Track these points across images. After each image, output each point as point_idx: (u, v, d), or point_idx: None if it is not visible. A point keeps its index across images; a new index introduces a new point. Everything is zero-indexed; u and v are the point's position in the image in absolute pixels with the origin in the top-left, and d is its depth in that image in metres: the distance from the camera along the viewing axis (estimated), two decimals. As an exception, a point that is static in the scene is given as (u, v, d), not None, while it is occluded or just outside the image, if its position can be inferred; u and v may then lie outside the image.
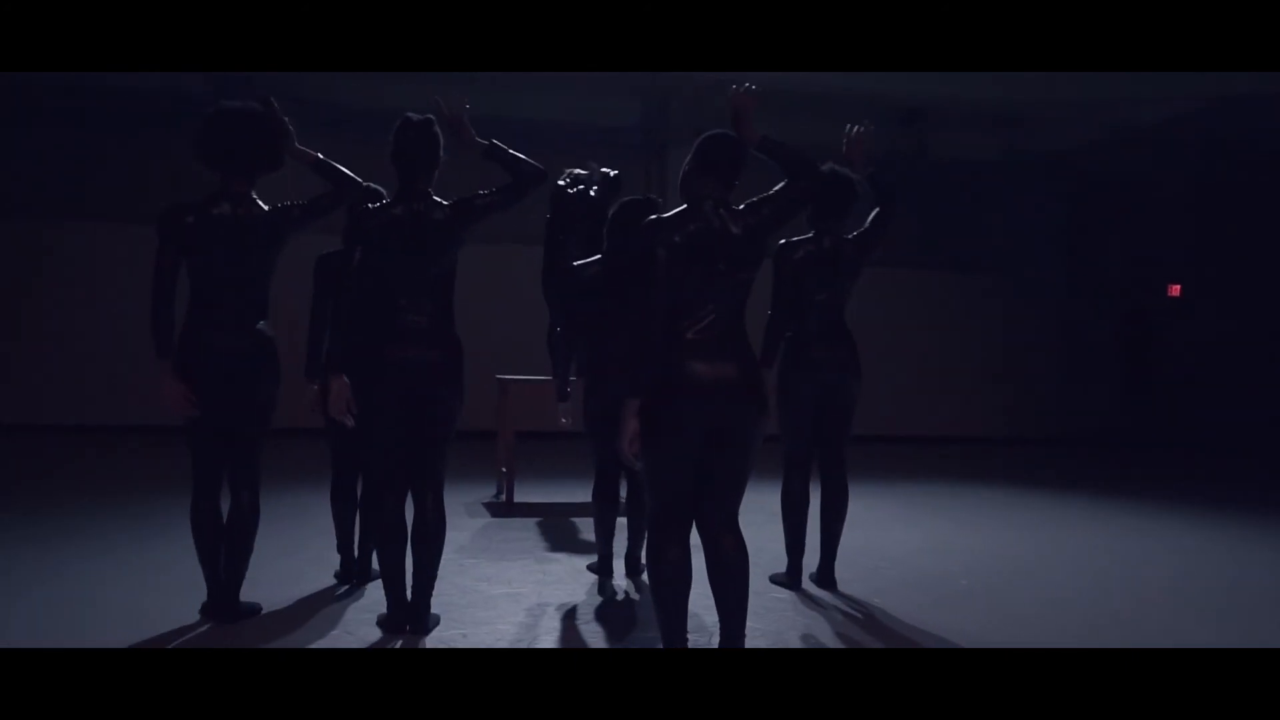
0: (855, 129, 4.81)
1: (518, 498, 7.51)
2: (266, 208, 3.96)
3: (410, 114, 3.90)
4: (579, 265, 4.89)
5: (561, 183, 7.28)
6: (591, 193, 7.26)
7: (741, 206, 3.39)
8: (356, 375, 3.73)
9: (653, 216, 3.44)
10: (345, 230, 3.88)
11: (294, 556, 5.21)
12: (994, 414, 15.02)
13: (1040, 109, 13.89)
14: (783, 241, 4.89)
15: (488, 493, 7.86)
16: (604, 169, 7.48)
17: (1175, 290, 15.88)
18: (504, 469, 7.52)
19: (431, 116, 3.91)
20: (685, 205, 3.40)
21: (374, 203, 4.67)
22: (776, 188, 3.42)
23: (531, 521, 6.70)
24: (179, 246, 3.83)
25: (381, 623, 3.96)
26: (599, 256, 4.86)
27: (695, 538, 3.30)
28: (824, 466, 4.88)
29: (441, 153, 3.91)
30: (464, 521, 6.59)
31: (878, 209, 4.96)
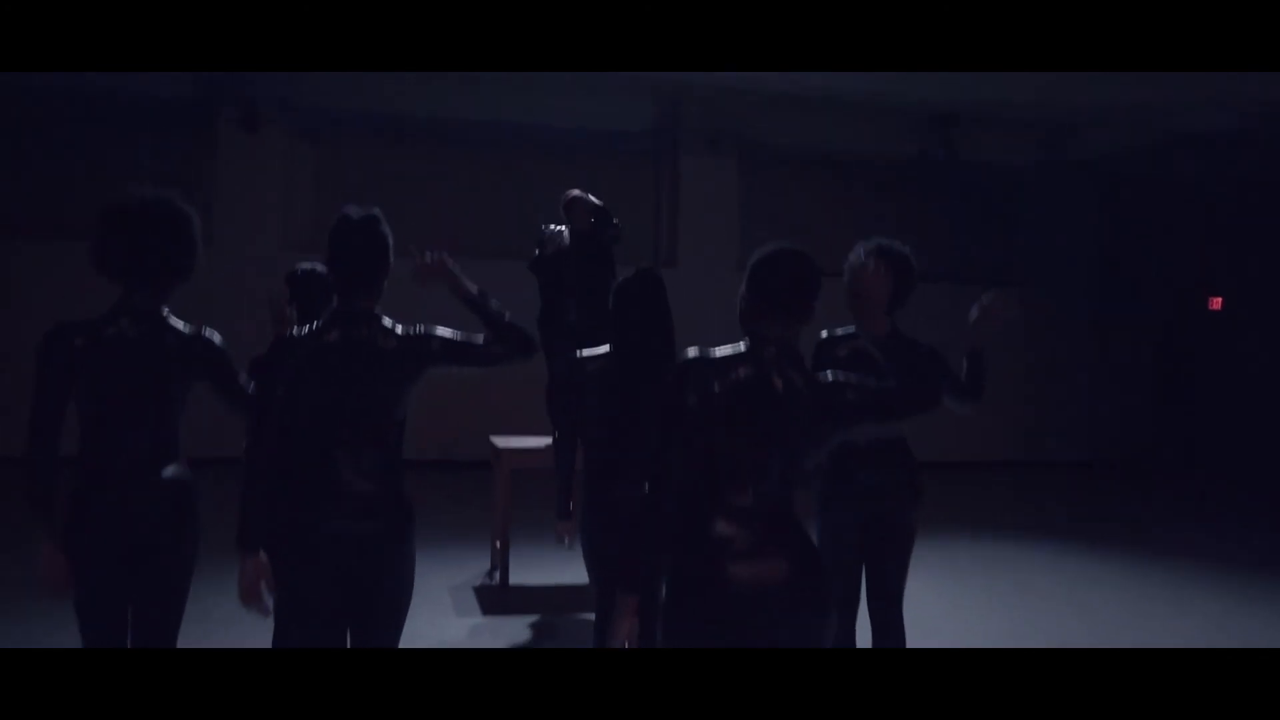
0: (992, 298, 3.82)
1: (515, 565, 6.70)
2: (184, 329, 3.09)
3: (349, 208, 3.03)
4: (584, 358, 4.03)
5: (550, 230, 6.51)
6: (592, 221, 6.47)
7: (826, 377, 2.54)
8: (277, 553, 2.89)
9: (692, 352, 2.59)
10: (259, 359, 3.02)
11: None
12: (1020, 436, 14.15)
13: (1077, 114, 13.01)
14: (823, 335, 4.01)
15: (480, 565, 7.03)
16: (590, 199, 6.62)
17: (1216, 303, 15.02)
18: (498, 543, 6.69)
19: (377, 213, 3.04)
20: (741, 346, 2.56)
21: (313, 287, 3.87)
22: (882, 385, 2.54)
23: (527, 624, 5.83)
24: (66, 377, 2.97)
25: None
26: (605, 349, 4.00)
27: None
28: (875, 610, 4.01)
29: (391, 258, 3.05)
30: (450, 621, 5.76)
31: (959, 384, 3.95)
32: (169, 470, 3.02)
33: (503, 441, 6.70)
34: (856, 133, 13.09)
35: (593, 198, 6.46)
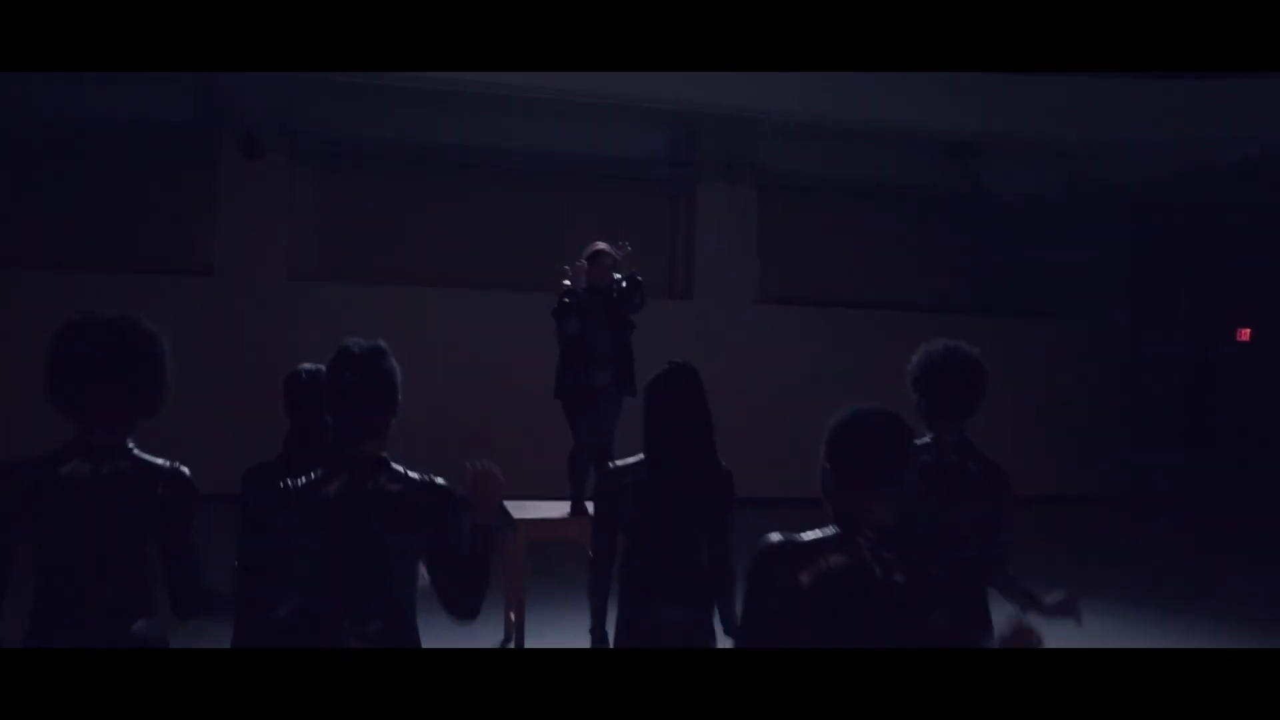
0: (1066, 605, 3.23)
1: (531, 634, 6.29)
2: (152, 463, 2.68)
3: (351, 342, 2.62)
4: (617, 469, 3.63)
5: (567, 282, 6.12)
6: (619, 280, 6.11)
7: (928, 570, 2.12)
8: None
9: (774, 538, 2.17)
10: (254, 474, 2.60)
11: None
12: (1045, 471, 13.73)
13: (1100, 144, 12.63)
14: None
15: (493, 633, 6.61)
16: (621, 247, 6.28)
17: (1245, 335, 14.65)
18: (512, 615, 6.29)
19: (382, 346, 2.64)
20: (830, 529, 2.16)
21: (319, 395, 3.45)
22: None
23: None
24: (14, 524, 2.54)
25: None
26: (639, 458, 3.59)
27: None
28: None
29: (399, 397, 2.64)
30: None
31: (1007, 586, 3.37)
32: (138, 625, 2.62)
33: (519, 509, 6.28)
34: (878, 162, 12.74)
35: (626, 246, 6.14)
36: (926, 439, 3.44)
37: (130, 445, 2.65)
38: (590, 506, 6.23)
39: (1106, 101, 11.88)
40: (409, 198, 12.04)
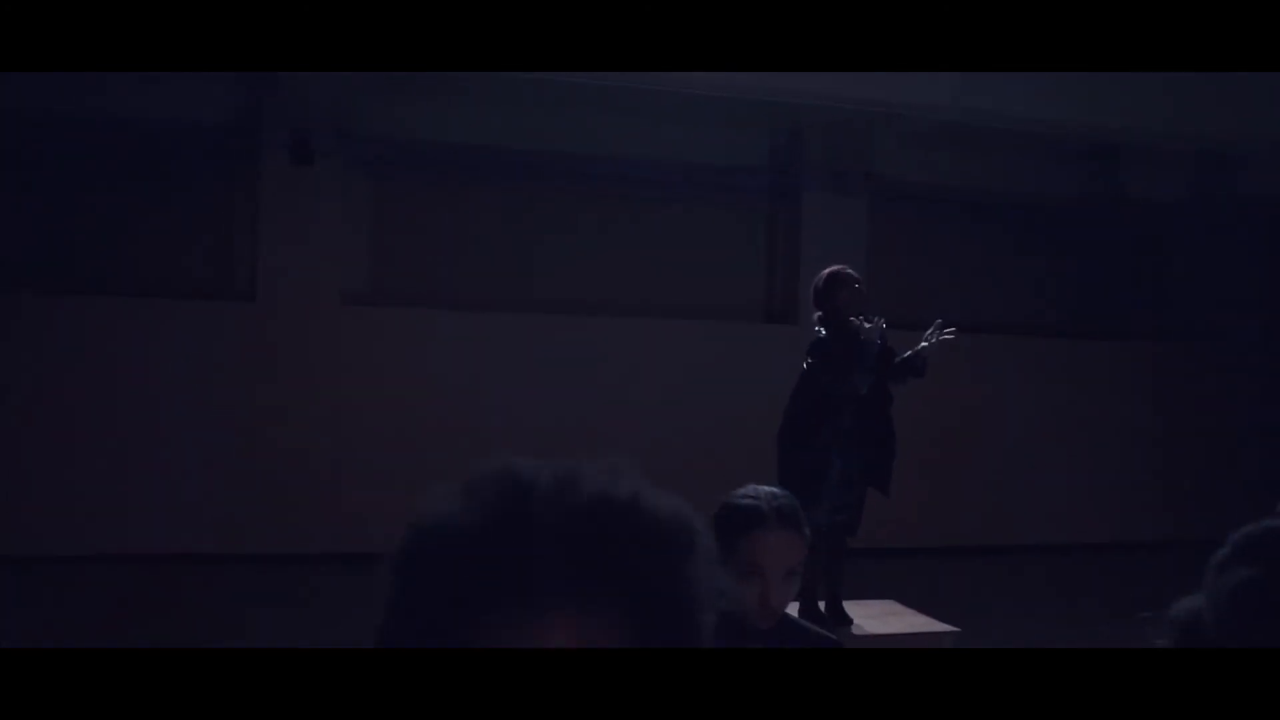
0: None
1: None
2: None
3: None
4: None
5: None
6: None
7: None
8: None
9: None
10: None
11: None
12: (1170, 512, 12.35)
13: (1245, 147, 11.35)
14: None
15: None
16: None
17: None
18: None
19: None
20: None
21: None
22: None
23: None
24: None
25: None
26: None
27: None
28: None
29: None
30: None
31: None
32: None
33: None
34: (1004, 169, 11.45)
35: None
36: None
37: None
38: (823, 606, 4.92)
39: (1247, 100, 10.61)
40: (477, 210, 10.73)
